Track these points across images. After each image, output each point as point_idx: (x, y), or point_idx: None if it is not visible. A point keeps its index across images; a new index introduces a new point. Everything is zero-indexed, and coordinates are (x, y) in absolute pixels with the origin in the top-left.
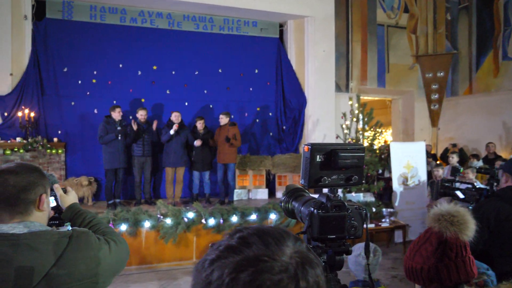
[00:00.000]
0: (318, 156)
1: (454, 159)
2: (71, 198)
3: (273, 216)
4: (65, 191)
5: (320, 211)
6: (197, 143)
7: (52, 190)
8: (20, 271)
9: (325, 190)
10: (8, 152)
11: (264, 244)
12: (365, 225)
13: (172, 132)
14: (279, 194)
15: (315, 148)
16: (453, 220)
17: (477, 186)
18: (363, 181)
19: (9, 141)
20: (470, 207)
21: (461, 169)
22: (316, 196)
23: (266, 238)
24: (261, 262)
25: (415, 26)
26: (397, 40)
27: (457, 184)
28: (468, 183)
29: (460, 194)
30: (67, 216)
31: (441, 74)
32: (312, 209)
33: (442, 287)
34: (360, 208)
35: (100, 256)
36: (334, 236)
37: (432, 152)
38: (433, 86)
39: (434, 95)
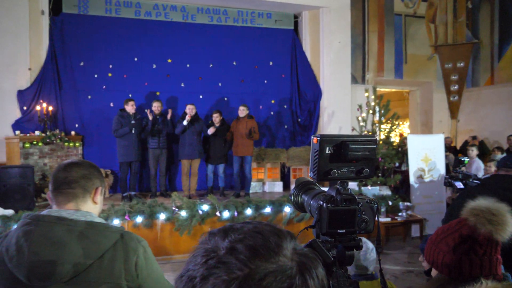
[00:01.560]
0: (327, 148)
1: (473, 152)
2: None
3: (287, 209)
4: None
5: (329, 205)
6: (211, 130)
7: None
8: (71, 256)
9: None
10: (27, 145)
11: (255, 255)
12: (377, 219)
13: (185, 122)
14: None
15: (324, 139)
16: (492, 219)
17: (480, 177)
18: (375, 174)
19: (28, 135)
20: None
21: (466, 160)
22: (326, 189)
23: (258, 249)
24: (262, 281)
25: (434, 15)
26: (415, 30)
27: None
28: (469, 175)
29: (460, 185)
30: None
31: (461, 64)
32: (322, 202)
33: (459, 278)
34: (371, 202)
35: (140, 264)
36: (344, 231)
37: (452, 144)
38: (453, 77)
39: (453, 86)
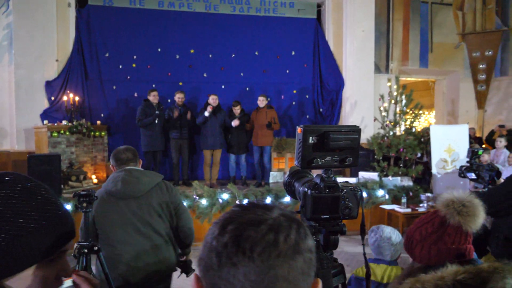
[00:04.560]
0: (310, 138)
1: (502, 143)
2: None
3: None
4: None
5: (313, 192)
6: (235, 123)
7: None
8: (142, 184)
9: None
10: (55, 134)
11: (256, 207)
12: (361, 206)
13: (206, 114)
14: None
15: (307, 130)
16: (462, 210)
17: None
18: (358, 163)
19: (55, 124)
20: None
21: (480, 151)
22: None
23: (259, 203)
24: (246, 215)
25: (462, 3)
26: (442, 18)
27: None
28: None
29: (472, 175)
30: None
31: (490, 53)
32: (306, 189)
33: (429, 266)
34: (355, 189)
35: (173, 191)
36: (328, 216)
37: (477, 135)
38: (481, 66)
39: (481, 75)
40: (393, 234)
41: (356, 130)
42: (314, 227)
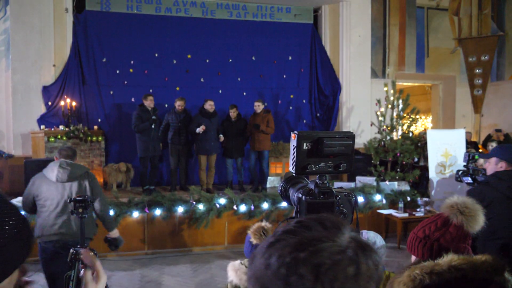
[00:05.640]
0: (305, 144)
1: (493, 147)
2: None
3: None
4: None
5: (308, 197)
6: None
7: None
8: (75, 171)
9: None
10: (52, 139)
11: (322, 227)
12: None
13: (197, 131)
14: None
15: (301, 136)
16: (464, 211)
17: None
18: (352, 169)
19: (52, 129)
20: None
21: (477, 156)
22: None
23: (324, 222)
24: (320, 242)
25: (457, 8)
26: (438, 23)
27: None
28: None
29: (468, 180)
30: None
31: (486, 57)
32: (301, 195)
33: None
34: (349, 195)
35: (94, 179)
36: None
37: (473, 139)
38: (477, 71)
39: (477, 80)
40: (377, 238)
41: (350, 136)
42: None
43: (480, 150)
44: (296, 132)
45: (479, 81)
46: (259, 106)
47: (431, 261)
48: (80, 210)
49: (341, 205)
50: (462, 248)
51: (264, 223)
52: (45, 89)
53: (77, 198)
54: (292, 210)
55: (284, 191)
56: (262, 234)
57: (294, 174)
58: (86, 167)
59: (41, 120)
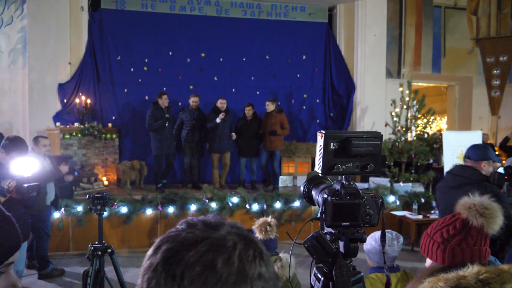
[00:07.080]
0: (332, 144)
1: None
2: None
3: None
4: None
5: (334, 198)
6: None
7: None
8: None
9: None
10: (67, 136)
11: (201, 223)
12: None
13: (218, 120)
14: None
15: (328, 135)
16: (484, 212)
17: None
18: (380, 170)
19: (68, 126)
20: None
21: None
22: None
23: (205, 221)
24: (188, 233)
25: (476, 7)
26: (455, 23)
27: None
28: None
29: None
30: None
31: (504, 58)
32: (326, 196)
33: (452, 267)
34: (376, 197)
35: None
36: (348, 223)
37: (489, 141)
38: (495, 71)
39: (495, 81)
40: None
41: (378, 136)
42: (334, 234)
43: (497, 153)
44: (323, 131)
45: (497, 82)
46: (269, 106)
47: (455, 272)
48: (99, 207)
49: (368, 207)
50: (483, 251)
51: (269, 219)
52: (61, 87)
53: (96, 195)
54: (305, 209)
55: (307, 191)
56: (267, 230)
57: (319, 174)
58: None
59: (57, 117)
